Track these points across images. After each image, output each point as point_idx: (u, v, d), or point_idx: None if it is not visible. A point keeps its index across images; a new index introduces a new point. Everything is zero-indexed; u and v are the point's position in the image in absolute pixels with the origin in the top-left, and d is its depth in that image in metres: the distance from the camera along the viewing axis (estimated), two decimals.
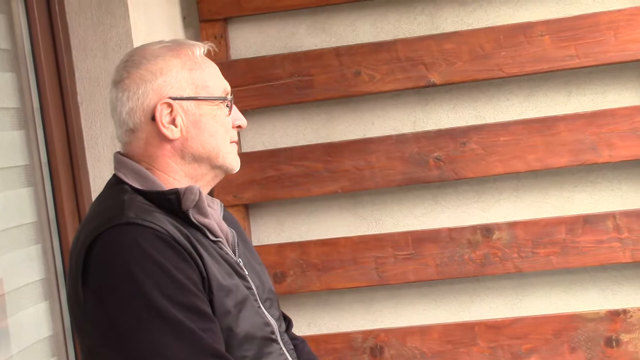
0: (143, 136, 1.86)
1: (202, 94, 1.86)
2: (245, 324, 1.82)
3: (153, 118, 1.84)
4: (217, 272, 1.80)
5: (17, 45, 2.54)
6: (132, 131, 1.87)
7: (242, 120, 1.93)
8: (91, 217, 1.83)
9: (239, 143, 1.94)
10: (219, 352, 1.72)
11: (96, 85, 2.76)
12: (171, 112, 1.84)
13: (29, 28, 2.56)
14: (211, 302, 1.77)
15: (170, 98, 1.84)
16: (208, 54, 1.95)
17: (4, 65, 2.49)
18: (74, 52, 2.75)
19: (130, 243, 1.72)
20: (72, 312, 1.82)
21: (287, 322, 2.14)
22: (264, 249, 3.16)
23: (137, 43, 2.77)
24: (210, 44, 1.93)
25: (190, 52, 1.87)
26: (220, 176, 1.93)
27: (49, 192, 2.56)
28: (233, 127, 1.90)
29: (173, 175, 1.88)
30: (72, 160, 2.66)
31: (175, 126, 1.85)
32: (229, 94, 1.91)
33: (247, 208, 3.23)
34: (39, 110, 2.57)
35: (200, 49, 1.89)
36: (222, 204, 2.02)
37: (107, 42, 2.77)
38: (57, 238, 2.56)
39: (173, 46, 1.88)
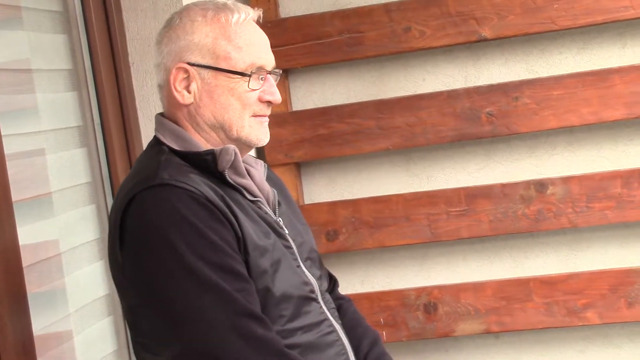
0: (165, 94, 1.89)
1: (222, 65, 1.85)
2: (282, 283, 1.82)
3: None
4: (253, 232, 1.81)
5: (68, 7, 2.55)
6: (160, 87, 1.92)
7: (273, 96, 1.89)
8: (129, 178, 1.85)
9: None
10: (253, 312, 1.73)
11: (147, 45, 2.76)
12: (188, 77, 1.85)
13: None
14: (247, 262, 1.78)
15: (187, 63, 1.84)
16: (259, 23, 1.92)
17: (56, 28, 2.51)
18: (124, 13, 2.75)
19: (164, 204, 1.74)
20: (113, 273, 1.85)
21: (333, 282, 2.14)
22: (316, 207, 3.17)
23: (187, 1, 2.77)
24: (258, 10, 1.91)
25: (224, 20, 1.86)
26: (244, 148, 1.91)
27: (102, 153, 2.58)
28: (262, 101, 1.88)
29: (199, 137, 1.88)
30: (124, 120, 2.67)
31: (189, 92, 1.85)
32: (261, 69, 1.88)
33: (299, 166, 3.23)
34: (90, 71, 2.58)
35: (239, 16, 1.87)
36: (267, 165, 2.03)
37: (157, 2, 2.77)
38: (111, 198, 2.57)
39: (211, 10, 1.87)
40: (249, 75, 1.85)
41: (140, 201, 1.75)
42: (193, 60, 1.85)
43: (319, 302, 1.92)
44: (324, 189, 3.24)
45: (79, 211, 2.49)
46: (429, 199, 3.11)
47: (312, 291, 1.91)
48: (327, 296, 2.00)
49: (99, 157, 2.57)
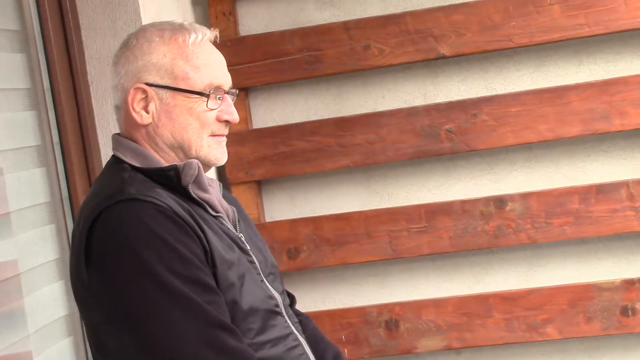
0: (123, 114, 1.89)
1: (181, 85, 1.85)
2: (249, 297, 1.83)
3: None
4: (220, 246, 1.81)
5: (26, 26, 2.54)
6: (117, 108, 1.91)
7: (231, 115, 1.90)
8: (92, 196, 1.84)
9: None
10: (224, 323, 1.73)
11: (106, 64, 2.75)
12: (146, 97, 1.85)
13: (38, 8, 2.56)
14: (215, 275, 1.78)
15: (145, 84, 1.85)
16: (217, 43, 1.93)
17: (13, 46, 2.49)
18: (83, 32, 2.75)
19: (133, 219, 1.73)
20: (76, 292, 1.83)
21: (291, 299, 2.15)
22: (276, 225, 3.17)
23: (145, 21, 2.77)
24: (215, 30, 1.92)
25: (181, 40, 1.86)
26: (203, 168, 1.90)
27: (62, 172, 2.57)
28: (220, 121, 1.89)
29: (159, 156, 1.88)
30: (83, 139, 2.66)
31: (147, 112, 1.85)
32: (219, 89, 1.88)
33: (260, 184, 3.23)
34: (49, 91, 2.57)
35: (197, 36, 1.88)
36: (221, 184, 2.04)
37: (115, 21, 2.77)
38: (71, 218, 2.56)
39: (168, 31, 1.88)
40: (207, 95, 1.85)
41: (108, 217, 1.74)
42: (151, 80, 1.85)
43: (283, 316, 1.93)
44: (284, 206, 3.24)
45: (38, 231, 2.47)
46: (389, 216, 3.12)
47: (277, 305, 1.92)
48: (290, 311, 2.01)
49: (58, 177, 2.56)
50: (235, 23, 3.22)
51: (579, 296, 3.00)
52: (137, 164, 1.86)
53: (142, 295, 1.70)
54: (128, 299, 1.71)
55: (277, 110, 3.23)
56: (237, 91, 1.97)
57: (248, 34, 3.23)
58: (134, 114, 1.86)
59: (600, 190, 3.00)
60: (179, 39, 1.86)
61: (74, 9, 2.71)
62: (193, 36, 1.87)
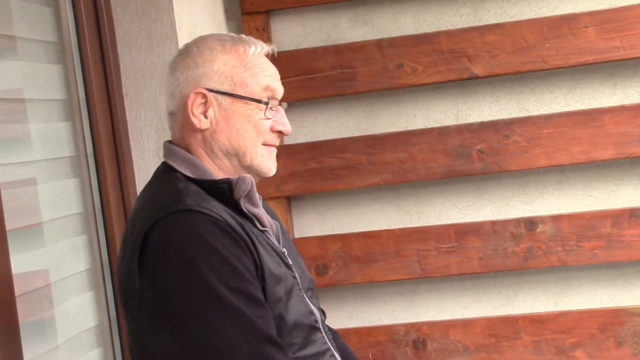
0: (179, 120, 1.90)
1: (240, 92, 1.89)
2: (294, 312, 1.84)
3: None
4: (269, 260, 1.82)
5: (63, 38, 2.56)
6: (172, 114, 1.93)
7: (284, 126, 1.93)
8: (146, 205, 1.84)
9: (280, 147, 1.95)
10: (273, 337, 1.74)
11: (141, 77, 2.78)
12: (205, 103, 1.87)
13: (75, 21, 2.58)
14: (263, 290, 1.79)
15: (205, 89, 1.86)
16: (272, 57, 1.97)
17: (51, 58, 2.51)
18: (119, 45, 2.77)
19: (189, 230, 1.74)
20: (125, 299, 1.83)
21: (322, 315, 2.15)
22: (305, 241, 3.16)
23: (180, 36, 2.79)
24: (272, 45, 1.96)
25: (242, 50, 1.90)
26: (254, 178, 1.92)
27: (95, 183, 2.58)
28: (273, 131, 1.92)
29: (211, 165, 1.89)
30: (117, 151, 2.68)
31: (206, 117, 1.88)
32: (273, 98, 1.92)
33: (289, 200, 3.23)
34: (84, 102, 2.59)
35: (256, 48, 1.92)
36: (261, 197, 2.04)
37: (151, 34, 2.79)
38: (103, 229, 2.57)
39: (228, 41, 1.92)
40: (266, 103, 1.89)
41: (164, 227, 1.74)
42: (211, 86, 1.88)
43: (322, 332, 1.93)
44: (314, 223, 3.24)
45: (70, 241, 2.48)
46: (418, 235, 3.11)
47: (317, 321, 1.92)
48: (326, 327, 2.01)
49: (91, 188, 2.57)
50: (269, 39, 3.24)
51: (609, 321, 2.98)
52: (189, 174, 1.87)
53: (194, 306, 1.71)
54: (180, 308, 1.72)
55: (308, 127, 3.24)
56: (287, 104, 1.99)
57: (281, 50, 3.24)
58: (193, 118, 1.88)
59: (633, 215, 2.98)
60: (240, 49, 1.90)
61: (111, 22, 2.73)
62: (252, 48, 1.92)
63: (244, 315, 1.71)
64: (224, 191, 1.84)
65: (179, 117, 1.91)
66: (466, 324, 3.08)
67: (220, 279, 1.71)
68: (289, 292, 1.85)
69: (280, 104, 1.95)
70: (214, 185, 1.84)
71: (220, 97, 1.87)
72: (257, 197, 1.91)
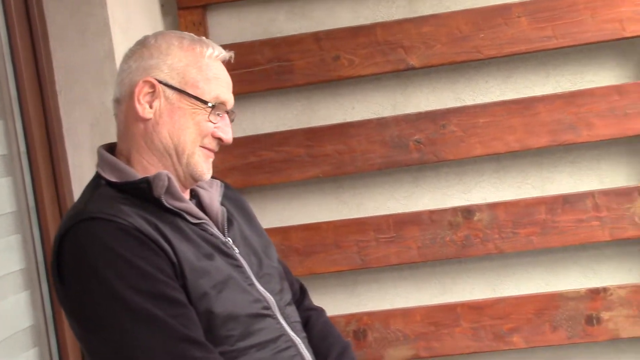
0: (123, 109, 1.91)
1: (189, 91, 1.89)
2: (226, 304, 1.83)
3: None
4: (192, 255, 1.82)
5: None
6: (117, 101, 1.94)
7: (225, 135, 1.94)
8: (66, 213, 1.88)
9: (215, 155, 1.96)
10: (189, 336, 1.74)
11: (74, 73, 2.75)
12: (153, 93, 1.88)
13: (5, 16, 2.54)
14: (185, 287, 1.79)
15: (155, 79, 1.87)
16: (227, 64, 1.98)
17: None
18: (52, 41, 2.74)
19: (92, 238, 1.76)
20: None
21: (302, 293, 2.16)
22: None
23: (114, 31, 2.77)
24: (230, 53, 1.99)
25: (199, 50, 1.91)
26: (189, 181, 1.93)
27: (29, 182, 2.56)
28: (213, 137, 1.92)
29: (149, 160, 1.89)
30: (51, 149, 2.65)
31: (151, 107, 1.88)
32: (221, 104, 1.92)
33: None
34: (16, 99, 2.56)
35: (214, 51, 1.94)
36: (224, 185, 2.05)
37: (84, 30, 2.76)
38: (37, 227, 2.55)
39: (187, 39, 1.93)
40: (212, 107, 1.89)
41: (71, 236, 1.77)
42: (162, 78, 1.88)
43: (275, 318, 1.92)
44: None
45: (4, 240, 2.45)
46: (358, 226, 3.13)
47: (267, 307, 1.91)
48: (289, 310, 2.00)
49: (24, 186, 2.55)
50: (206, 33, 3.23)
51: (545, 305, 3.03)
52: (113, 178, 1.88)
53: (105, 314, 1.72)
54: (93, 316, 1.74)
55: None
56: (235, 114, 2.00)
57: (218, 44, 3.22)
58: (138, 106, 1.88)
59: (567, 201, 3.03)
60: (197, 48, 1.91)
61: (42, 17, 2.70)
62: (210, 50, 1.93)
63: (155, 317, 1.72)
64: (144, 191, 1.84)
65: (124, 105, 1.91)
66: (406, 313, 3.11)
67: (127, 284, 1.72)
68: (221, 284, 1.84)
69: (227, 113, 1.95)
70: (134, 186, 1.85)
71: (168, 91, 1.88)
72: (179, 190, 1.90)
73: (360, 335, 3.12)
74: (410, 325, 3.09)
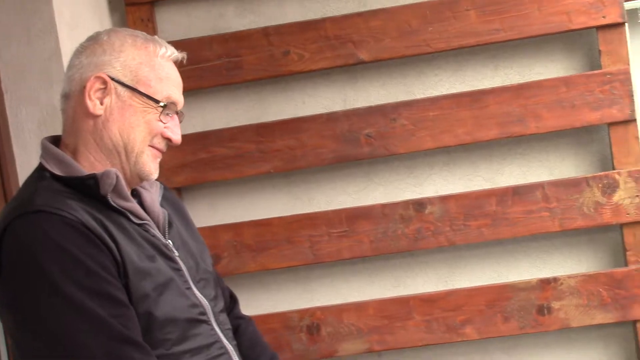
0: (72, 104, 1.88)
1: (141, 89, 1.88)
2: (166, 307, 1.82)
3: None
4: (135, 255, 1.80)
5: None
6: (66, 97, 1.91)
7: (175, 135, 1.93)
8: (7, 204, 1.83)
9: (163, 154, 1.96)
10: (130, 337, 1.72)
11: (20, 72, 2.72)
12: (104, 89, 1.86)
13: None
14: (127, 287, 1.77)
15: (108, 76, 1.85)
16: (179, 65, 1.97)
17: None
18: None
19: (37, 231, 1.72)
20: None
21: (233, 301, 2.15)
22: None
23: (61, 29, 2.74)
24: (183, 53, 1.98)
25: (152, 49, 1.90)
26: (135, 180, 1.92)
27: None
28: (163, 136, 1.91)
29: (96, 157, 1.88)
30: None
31: (102, 104, 1.86)
32: (173, 105, 1.91)
33: (180, 191, 3.21)
34: None
35: (166, 51, 1.93)
36: (163, 187, 2.04)
37: (30, 28, 2.73)
38: None
39: (140, 38, 1.92)
40: (163, 107, 1.88)
41: (14, 229, 1.73)
42: (114, 75, 1.87)
43: (210, 324, 1.92)
44: (206, 213, 3.23)
45: None
46: (310, 221, 3.13)
47: (203, 313, 1.91)
48: (222, 317, 2.00)
49: None
50: (154, 29, 3.21)
51: (496, 297, 3.05)
52: (58, 172, 1.84)
53: (47, 309, 1.70)
54: (33, 312, 1.71)
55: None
56: (184, 115, 1.99)
57: (167, 40, 3.16)
58: (89, 102, 1.86)
59: (517, 192, 3.05)
60: (150, 47, 1.91)
61: None
62: (163, 50, 1.92)
63: (96, 315, 1.70)
64: (90, 187, 1.82)
65: (73, 101, 1.89)
66: (359, 307, 3.11)
67: (71, 280, 1.70)
68: (162, 286, 1.83)
69: (177, 113, 1.94)
70: (80, 182, 1.83)
71: (120, 88, 1.86)
72: (127, 190, 1.89)
73: (313, 330, 3.12)
74: (363, 319, 3.10)
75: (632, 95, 2.99)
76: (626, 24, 3.01)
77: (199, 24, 3.23)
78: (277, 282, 3.21)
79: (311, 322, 3.12)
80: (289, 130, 3.14)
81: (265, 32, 3.15)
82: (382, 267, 3.18)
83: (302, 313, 3.13)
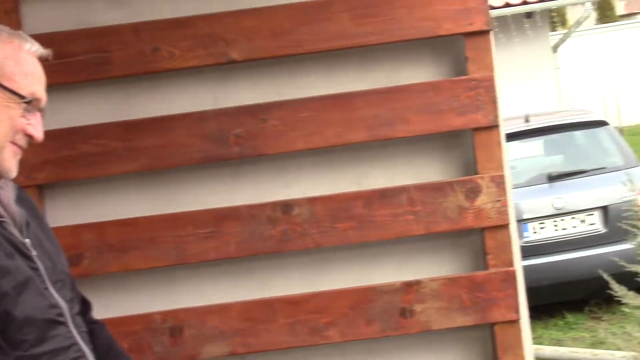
0: None
1: (5, 83, 1.84)
2: (26, 306, 1.79)
3: None
4: None
5: None
6: None
7: (37, 132, 1.90)
8: None
9: (24, 152, 1.92)
10: None
11: None
12: None
13: None
14: None
15: None
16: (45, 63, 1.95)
17: None
18: None
19: None
20: None
21: (86, 306, 2.12)
22: (58, 230, 3.00)
23: None
24: (49, 50, 1.96)
25: (17, 44, 1.87)
26: None
27: None
28: (25, 133, 1.86)
29: None
30: None
31: None
32: (37, 101, 1.87)
33: (41, 189, 3.12)
34: None
35: (32, 46, 1.91)
36: (17, 186, 1.99)
37: None
38: None
39: (5, 32, 1.88)
40: (27, 103, 1.84)
41: None
42: None
43: (67, 326, 1.89)
44: (69, 212, 3.14)
45: None
46: (176, 221, 3.08)
47: (61, 314, 1.88)
48: (78, 320, 1.97)
49: None
50: (19, 22, 3.11)
51: (360, 299, 3.05)
52: None
53: None
54: None
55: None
56: (46, 112, 1.96)
57: (32, 33, 3.07)
58: None
59: (383, 195, 3.06)
60: (15, 42, 1.87)
61: None
62: (29, 45, 1.90)
63: None
64: None
65: None
66: (223, 309, 3.08)
67: None
68: (21, 286, 1.79)
69: (40, 110, 1.91)
70: None
71: None
72: None
73: (176, 332, 3.07)
74: (226, 321, 3.06)
75: (496, 102, 3.04)
76: (491, 32, 3.06)
77: (67, 17, 3.15)
78: (140, 283, 3.15)
79: (174, 325, 3.07)
80: (157, 129, 3.09)
81: (135, 28, 3.10)
82: (247, 269, 3.15)
83: (165, 315, 3.08)
